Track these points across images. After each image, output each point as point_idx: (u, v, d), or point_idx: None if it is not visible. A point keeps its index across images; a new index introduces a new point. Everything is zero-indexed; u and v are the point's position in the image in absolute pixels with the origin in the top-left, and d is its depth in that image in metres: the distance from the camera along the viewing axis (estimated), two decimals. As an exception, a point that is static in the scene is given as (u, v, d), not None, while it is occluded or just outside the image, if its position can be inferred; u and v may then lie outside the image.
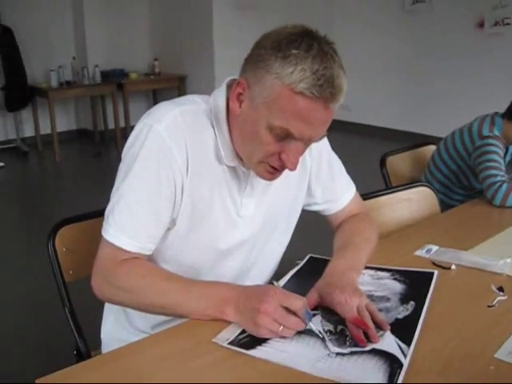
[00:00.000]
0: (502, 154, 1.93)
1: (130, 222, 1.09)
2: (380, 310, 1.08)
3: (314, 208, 1.40)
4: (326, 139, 1.35)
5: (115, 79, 6.21)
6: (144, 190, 1.09)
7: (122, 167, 1.12)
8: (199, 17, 6.38)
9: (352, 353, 0.96)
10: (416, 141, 2.70)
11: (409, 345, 0.97)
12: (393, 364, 0.92)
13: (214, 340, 1.00)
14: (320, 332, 1.01)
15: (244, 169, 1.17)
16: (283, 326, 0.98)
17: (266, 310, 0.97)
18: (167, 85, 6.76)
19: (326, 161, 1.35)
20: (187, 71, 6.68)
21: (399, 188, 1.80)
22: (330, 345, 0.98)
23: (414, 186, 1.82)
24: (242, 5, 6.27)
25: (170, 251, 1.18)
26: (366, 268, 1.26)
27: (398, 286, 1.21)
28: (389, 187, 1.93)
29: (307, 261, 1.37)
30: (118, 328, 1.33)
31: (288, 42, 0.99)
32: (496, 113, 2.07)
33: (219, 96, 1.15)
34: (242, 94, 1.06)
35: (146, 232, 1.10)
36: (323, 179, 1.35)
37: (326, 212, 1.41)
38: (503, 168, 1.88)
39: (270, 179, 1.15)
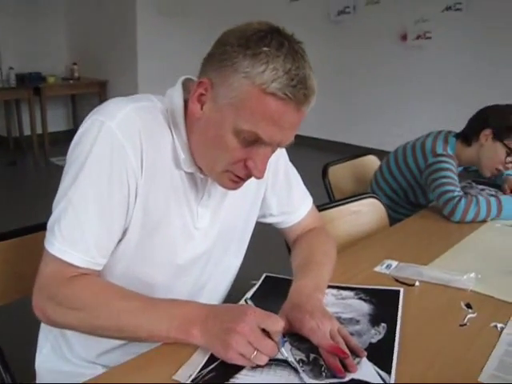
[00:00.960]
0: (456, 171, 1.91)
1: (79, 234, 0.95)
2: (351, 334, 0.99)
3: (269, 220, 1.31)
4: (283, 151, 1.27)
5: (32, 83, 5.86)
6: (95, 195, 0.96)
7: (69, 169, 0.98)
8: (121, 21, 6.17)
9: None
10: (340, 150, 2.65)
11: (389, 372, 0.89)
12: None
13: (174, 377, 0.87)
14: (293, 362, 0.91)
15: (202, 175, 1.06)
16: (257, 350, 0.87)
17: (242, 329, 0.87)
18: (87, 90, 6.47)
19: (282, 170, 1.27)
20: (108, 76, 6.43)
21: (348, 200, 1.75)
22: (304, 376, 0.88)
23: (362, 198, 1.78)
24: (167, 11, 6.13)
25: (120, 265, 1.05)
26: (329, 287, 1.18)
27: (365, 307, 1.13)
28: (338, 199, 1.87)
29: (263, 281, 1.27)
30: (55, 358, 1.17)
31: (257, 38, 0.90)
32: (449, 132, 2.06)
33: (175, 96, 1.04)
34: (205, 94, 0.96)
35: (98, 244, 0.97)
36: (279, 189, 1.27)
37: (282, 225, 1.32)
38: (458, 184, 1.86)
39: (233, 189, 1.05)
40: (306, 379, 0.87)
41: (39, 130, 5.89)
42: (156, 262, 1.07)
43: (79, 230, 0.95)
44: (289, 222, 1.31)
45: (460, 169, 2.06)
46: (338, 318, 1.06)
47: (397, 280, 1.27)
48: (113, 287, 0.99)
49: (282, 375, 0.89)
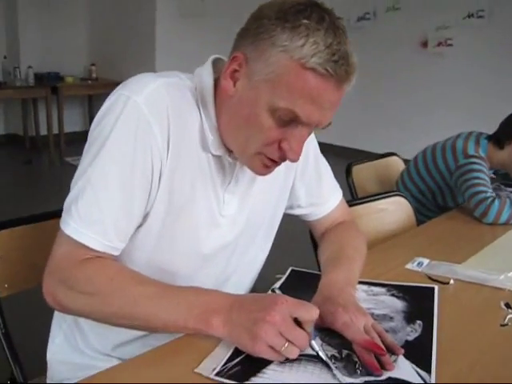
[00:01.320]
0: (487, 173, 1.84)
1: (97, 214, 0.89)
2: (386, 331, 0.92)
3: (297, 212, 1.24)
4: (313, 136, 1.20)
5: (50, 82, 5.84)
6: (117, 174, 0.90)
7: (90, 146, 0.92)
8: (141, 23, 6.17)
9: (366, 383, 0.80)
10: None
11: (428, 371, 0.82)
12: None
13: (196, 370, 0.81)
14: (325, 357, 0.84)
15: (230, 159, 1.00)
16: (289, 342, 0.80)
17: (272, 319, 0.79)
18: (105, 90, 6.41)
19: (312, 158, 1.20)
20: (126, 77, 6.37)
21: (374, 197, 1.68)
22: (338, 373, 0.81)
23: (388, 196, 1.71)
24: (186, 13, 6.12)
25: (140, 253, 0.99)
26: (359, 283, 1.11)
27: (398, 304, 1.06)
28: (363, 196, 1.80)
29: (289, 275, 1.20)
30: (68, 349, 1.11)
31: (296, 11, 0.84)
32: (481, 133, 1.99)
33: (205, 75, 0.98)
34: (238, 71, 0.90)
35: (116, 227, 0.90)
36: (309, 178, 1.20)
37: (310, 217, 1.25)
38: (490, 186, 1.79)
39: (264, 174, 0.99)
40: (340, 377, 0.81)
41: (55, 130, 5.87)
42: (179, 250, 1.01)
43: (97, 211, 0.89)
44: (317, 215, 1.24)
45: (490, 172, 1.99)
46: (371, 315, 0.99)
47: (430, 278, 1.20)
48: (129, 272, 0.93)
49: (313, 371, 0.82)
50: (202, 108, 0.97)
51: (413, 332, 0.95)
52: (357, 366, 0.84)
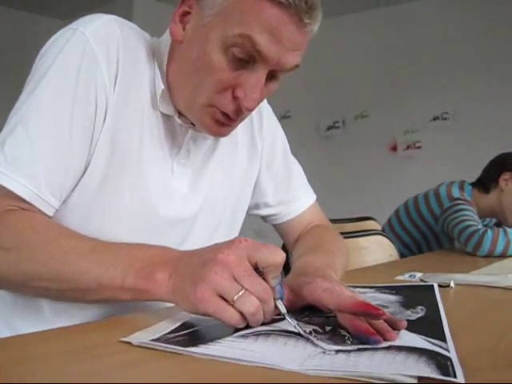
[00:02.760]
0: (475, 213, 1.71)
1: (27, 156, 0.74)
2: None
3: (265, 212, 1.07)
4: (281, 131, 1.07)
5: None
6: (54, 112, 0.76)
7: (29, 81, 0.79)
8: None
9: (361, 349, 0.57)
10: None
11: (443, 340, 0.60)
12: (436, 357, 0.54)
13: (125, 339, 0.58)
14: (299, 328, 0.62)
15: (179, 121, 0.87)
16: (244, 290, 0.60)
17: (226, 258, 0.60)
18: None
19: (281, 152, 1.07)
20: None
21: (354, 233, 1.50)
22: (320, 343, 0.59)
23: (370, 234, 1.54)
24: None
25: (75, 217, 0.81)
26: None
27: (391, 297, 0.85)
28: (343, 232, 1.62)
29: None
30: None
31: None
32: (464, 180, 1.89)
33: (163, 36, 0.89)
34: (190, 13, 0.80)
35: (48, 175, 0.75)
36: (276, 172, 1.06)
37: (280, 219, 1.08)
38: (480, 222, 1.65)
39: (218, 133, 0.85)
40: (324, 345, 0.58)
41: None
42: (123, 216, 0.83)
43: (28, 152, 0.74)
44: (287, 215, 1.07)
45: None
46: None
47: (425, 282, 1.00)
48: (59, 225, 0.76)
49: (287, 343, 0.59)
50: (156, 59, 0.86)
51: (414, 314, 0.73)
52: (346, 338, 0.62)
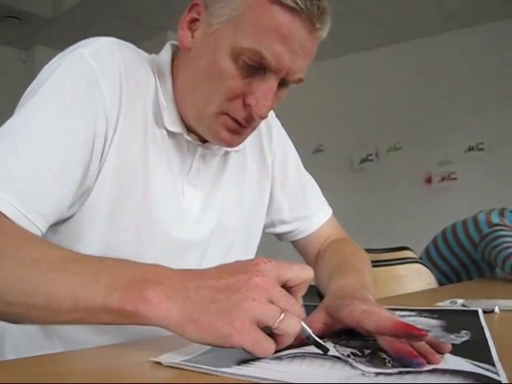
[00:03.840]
0: None
1: (13, 169, 0.67)
2: None
3: (281, 229, 1.05)
4: (291, 145, 1.06)
5: None
6: (45, 127, 0.70)
7: (24, 97, 0.75)
8: None
9: (402, 372, 0.54)
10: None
11: (492, 364, 0.56)
12: (483, 380, 0.50)
13: (156, 360, 0.56)
14: (336, 351, 0.60)
15: (189, 138, 0.84)
16: (285, 310, 0.54)
17: (260, 280, 0.54)
18: None
19: (293, 168, 1.05)
20: None
21: (391, 262, 1.46)
22: (359, 366, 0.56)
23: (407, 262, 1.49)
24: None
25: (81, 243, 0.77)
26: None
27: (433, 322, 0.81)
28: (378, 260, 1.57)
29: None
30: None
31: None
32: (504, 208, 1.84)
33: (163, 51, 0.88)
34: (198, 19, 0.79)
35: (38, 193, 0.68)
36: (291, 189, 1.03)
37: (298, 235, 1.06)
38: None
39: (230, 142, 0.82)
40: (363, 368, 0.55)
41: None
42: (132, 241, 0.81)
43: (13, 165, 0.67)
44: (305, 231, 1.05)
45: None
46: None
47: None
48: (26, 231, 0.65)
49: (323, 364, 0.56)
50: (158, 76, 0.84)
51: (458, 338, 0.69)
52: (386, 360, 0.58)
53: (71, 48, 0.78)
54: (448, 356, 0.59)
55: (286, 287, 0.57)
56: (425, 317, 0.84)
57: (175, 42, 0.88)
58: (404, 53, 5.77)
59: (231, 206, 0.93)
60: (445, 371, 0.53)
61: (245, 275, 0.54)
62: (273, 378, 0.50)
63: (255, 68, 0.75)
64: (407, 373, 0.53)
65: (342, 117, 6.31)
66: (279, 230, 1.06)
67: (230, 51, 0.74)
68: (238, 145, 0.85)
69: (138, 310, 0.52)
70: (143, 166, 0.81)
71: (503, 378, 0.51)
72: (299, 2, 0.71)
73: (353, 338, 0.67)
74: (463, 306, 0.97)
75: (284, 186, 1.03)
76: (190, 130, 0.85)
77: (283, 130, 1.08)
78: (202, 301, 0.52)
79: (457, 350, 0.61)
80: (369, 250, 1.95)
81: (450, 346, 0.60)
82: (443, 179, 5.52)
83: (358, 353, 0.61)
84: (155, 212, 0.82)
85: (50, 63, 0.78)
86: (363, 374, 0.53)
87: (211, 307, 0.52)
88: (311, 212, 1.06)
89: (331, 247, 1.03)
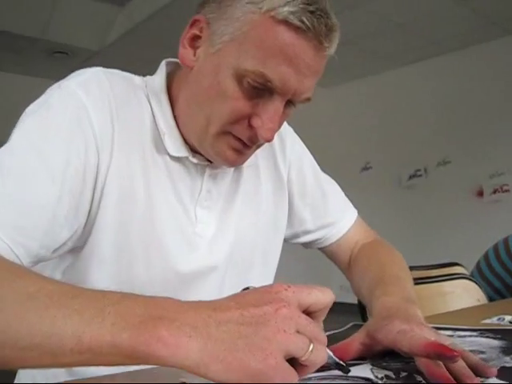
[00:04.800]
0: None
1: None
2: None
3: (306, 238, 1.03)
4: (306, 151, 1.03)
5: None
6: (31, 160, 0.67)
7: (12, 134, 0.71)
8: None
9: None
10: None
11: None
12: None
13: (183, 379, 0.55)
14: (372, 374, 0.58)
15: (195, 160, 0.82)
16: (313, 339, 0.50)
17: (287, 312, 0.49)
18: None
19: (310, 175, 1.02)
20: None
21: (435, 278, 1.42)
22: None
23: (453, 278, 1.44)
24: None
25: (100, 266, 0.77)
26: (439, 329, 0.82)
27: (494, 342, 0.76)
28: (420, 277, 1.52)
29: (348, 329, 0.91)
30: None
31: None
32: None
33: (157, 73, 0.85)
34: (200, 37, 0.76)
35: (23, 226, 0.65)
36: (311, 197, 1.00)
37: (324, 242, 1.03)
38: None
39: (234, 162, 0.80)
40: None
41: None
42: (140, 276, 0.79)
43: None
44: (332, 237, 1.03)
45: None
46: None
47: (518, 326, 0.90)
48: (18, 265, 0.61)
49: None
50: (152, 102, 0.81)
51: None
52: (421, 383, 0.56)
53: (59, 82, 0.76)
54: (493, 380, 0.56)
55: (307, 312, 0.53)
56: (487, 337, 0.79)
57: (172, 60, 0.86)
58: (448, 65, 5.66)
59: (247, 224, 0.91)
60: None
61: (270, 306, 0.49)
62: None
63: (260, 89, 0.72)
64: None
65: (389, 133, 6.23)
66: (304, 239, 1.04)
67: (234, 72, 0.72)
68: (242, 163, 0.82)
69: (152, 350, 0.46)
70: (146, 197, 0.78)
71: None
72: (305, 21, 0.68)
73: (394, 360, 0.65)
74: (510, 322, 0.93)
75: (303, 194, 1.00)
76: (195, 151, 0.82)
77: (297, 138, 1.04)
78: (227, 338, 0.47)
79: (506, 375, 0.58)
80: (417, 267, 1.90)
81: (495, 371, 0.57)
82: (495, 191, 5.34)
83: (393, 375, 0.59)
84: (164, 242, 0.80)
85: (39, 98, 0.75)
86: None
87: (239, 344, 0.47)
88: (335, 218, 1.03)
89: (364, 253, 1.00)
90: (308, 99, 0.77)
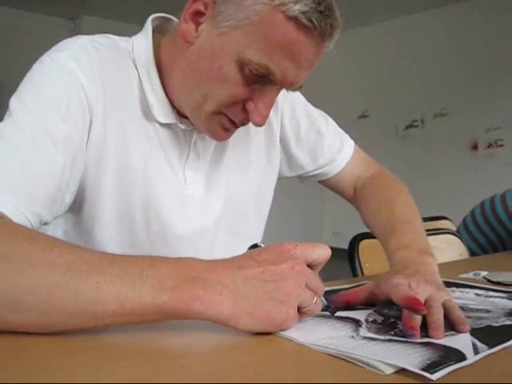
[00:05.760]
0: None
1: (8, 171, 0.68)
2: (467, 318, 0.68)
3: (307, 177, 1.10)
4: (298, 95, 1.06)
5: None
6: (31, 130, 0.71)
7: (10, 104, 0.74)
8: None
9: (389, 340, 0.59)
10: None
11: (491, 346, 0.58)
12: (448, 356, 0.54)
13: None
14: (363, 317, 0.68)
15: (183, 126, 0.85)
16: (316, 293, 0.61)
17: (301, 269, 0.59)
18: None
19: (303, 115, 1.04)
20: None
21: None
22: (362, 330, 0.63)
23: (440, 233, 1.52)
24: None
25: (102, 229, 0.83)
26: (472, 288, 0.91)
27: (509, 303, 0.81)
28: None
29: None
30: None
31: None
32: None
33: (141, 38, 0.85)
34: (204, 13, 0.76)
35: (32, 194, 0.69)
36: (306, 139, 1.05)
37: (325, 176, 1.10)
38: None
39: (222, 138, 0.85)
40: (363, 331, 0.62)
41: None
42: (147, 230, 0.85)
43: (4, 167, 0.68)
44: (331, 172, 1.09)
45: None
46: (466, 308, 0.76)
47: (489, 281, 0.98)
48: (47, 235, 0.66)
49: (333, 325, 0.65)
50: (140, 70, 0.83)
51: (504, 321, 0.70)
52: (395, 330, 0.63)
53: (48, 53, 0.77)
54: (462, 335, 0.62)
55: (309, 266, 0.62)
56: (508, 298, 0.84)
57: (158, 15, 0.88)
58: (448, 17, 5.61)
59: (237, 182, 0.95)
60: (434, 345, 0.57)
61: (287, 264, 0.58)
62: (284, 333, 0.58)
63: (260, 77, 0.75)
64: (394, 341, 0.59)
65: (387, 83, 6.21)
66: (305, 178, 1.11)
67: (238, 60, 0.74)
68: (227, 139, 0.86)
69: (191, 308, 0.53)
70: (142, 164, 0.82)
71: (470, 355, 0.54)
72: (314, 21, 0.71)
73: (394, 309, 0.72)
74: (485, 278, 1.00)
75: (299, 139, 1.03)
76: (182, 116, 0.85)
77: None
78: (253, 294, 0.56)
79: (479, 332, 0.63)
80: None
81: (467, 328, 0.63)
82: (490, 146, 5.39)
83: (380, 320, 0.67)
84: (161, 206, 0.85)
85: (31, 69, 0.77)
86: (352, 337, 0.59)
87: (264, 299, 0.56)
88: (333, 154, 1.07)
89: (370, 189, 1.06)
90: (300, 87, 0.80)
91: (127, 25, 5.99)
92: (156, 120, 0.83)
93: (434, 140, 5.89)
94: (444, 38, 5.63)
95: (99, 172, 0.79)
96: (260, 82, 0.76)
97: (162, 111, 0.83)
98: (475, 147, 5.51)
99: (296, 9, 0.70)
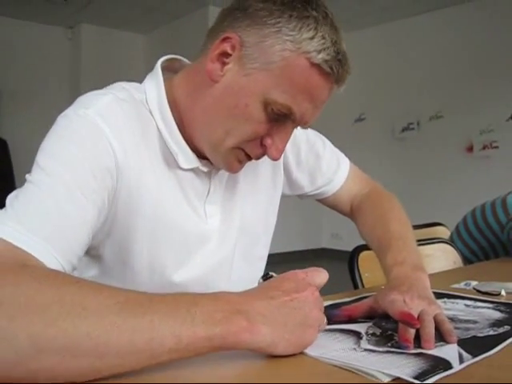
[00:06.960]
0: None
1: (33, 211, 0.70)
2: (456, 329, 0.78)
3: (305, 196, 1.19)
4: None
5: None
6: (66, 174, 0.74)
7: (39, 157, 0.76)
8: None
9: (387, 351, 0.69)
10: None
11: (475, 356, 0.67)
12: (437, 365, 0.63)
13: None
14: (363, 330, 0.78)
15: (205, 169, 0.90)
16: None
17: (312, 295, 0.67)
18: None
19: (303, 139, 1.11)
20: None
21: (420, 243, 1.57)
22: (363, 342, 0.72)
23: (434, 242, 1.61)
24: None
25: (138, 258, 0.88)
26: (459, 298, 1.01)
27: (496, 315, 0.89)
28: None
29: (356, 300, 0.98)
30: None
31: (303, 0, 0.79)
32: None
33: (152, 84, 0.89)
34: (230, 54, 0.81)
35: (68, 233, 0.72)
36: (305, 162, 1.12)
37: (322, 196, 1.18)
38: None
39: (236, 171, 0.90)
40: (363, 344, 0.71)
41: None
42: (177, 270, 0.92)
43: (34, 208, 0.71)
44: (329, 191, 1.17)
45: None
46: (454, 319, 0.85)
47: (479, 291, 1.07)
48: (87, 280, 0.63)
49: (337, 337, 0.75)
50: (156, 119, 0.87)
51: (489, 332, 0.78)
52: (392, 342, 0.73)
53: (72, 108, 0.80)
54: (450, 345, 0.71)
55: None
56: (498, 310, 0.92)
57: (167, 57, 0.93)
58: (442, 21, 5.69)
59: (249, 202, 1.01)
60: (426, 356, 0.66)
61: (308, 292, 0.67)
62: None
63: (280, 116, 0.81)
64: (391, 352, 0.68)
65: (383, 86, 6.30)
66: (303, 197, 1.19)
67: (263, 100, 0.79)
68: (240, 170, 0.91)
69: (240, 338, 0.59)
70: (161, 208, 0.87)
71: (456, 367, 0.62)
72: (334, 68, 0.78)
73: (392, 322, 0.80)
74: (474, 288, 1.09)
75: (299, 162, 1.10)
76: (200, 156, 0.89)
77: None
78: (288, 321, 0.63)
79: (465, 342, 0.72)
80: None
81: (454, 339, 0.72)
82: (484, 147, 5.48)
83: (378, 333, 0.76)
84: (187, 248, 0.91)
85: (52, 130, 0.79)
86: (354, 349, 0.69)
87: (296, 325, 0.64)
88: (331, 176, 1.14)
89: (366, 206, 1.12)
90: (309, 126, 0.88)
91: (126, 33, 6.12)
92: (178, 166, 0.88)
93: (430, 142, 5.98)
94: (439, 42, 5.72)
95: (129, 221, 0.84)
96: (279, 121, 0.82)
97: (185, 158, 0.88)
98: (470, 149, 5.60)
99: (320, 57, 0.77)
